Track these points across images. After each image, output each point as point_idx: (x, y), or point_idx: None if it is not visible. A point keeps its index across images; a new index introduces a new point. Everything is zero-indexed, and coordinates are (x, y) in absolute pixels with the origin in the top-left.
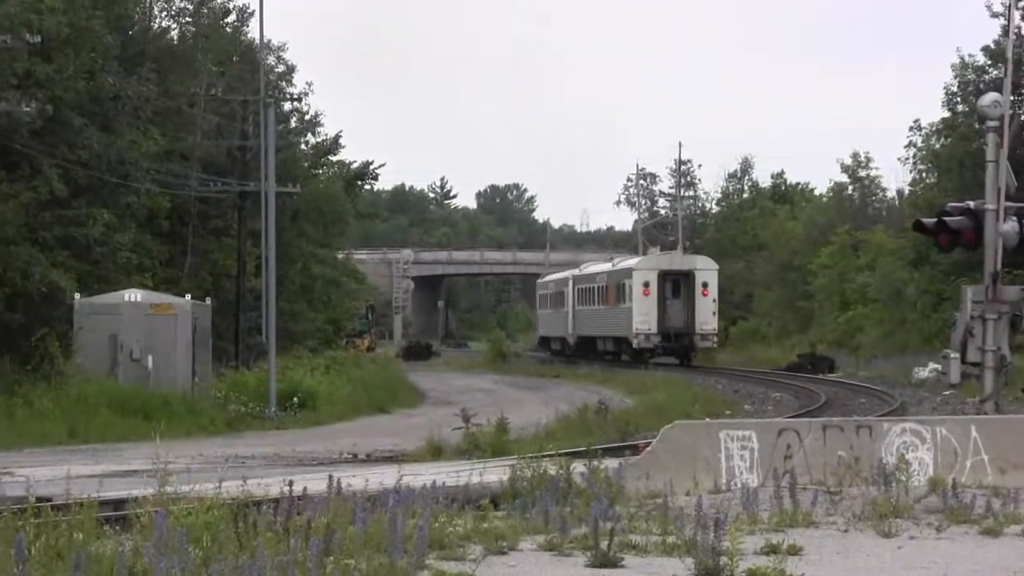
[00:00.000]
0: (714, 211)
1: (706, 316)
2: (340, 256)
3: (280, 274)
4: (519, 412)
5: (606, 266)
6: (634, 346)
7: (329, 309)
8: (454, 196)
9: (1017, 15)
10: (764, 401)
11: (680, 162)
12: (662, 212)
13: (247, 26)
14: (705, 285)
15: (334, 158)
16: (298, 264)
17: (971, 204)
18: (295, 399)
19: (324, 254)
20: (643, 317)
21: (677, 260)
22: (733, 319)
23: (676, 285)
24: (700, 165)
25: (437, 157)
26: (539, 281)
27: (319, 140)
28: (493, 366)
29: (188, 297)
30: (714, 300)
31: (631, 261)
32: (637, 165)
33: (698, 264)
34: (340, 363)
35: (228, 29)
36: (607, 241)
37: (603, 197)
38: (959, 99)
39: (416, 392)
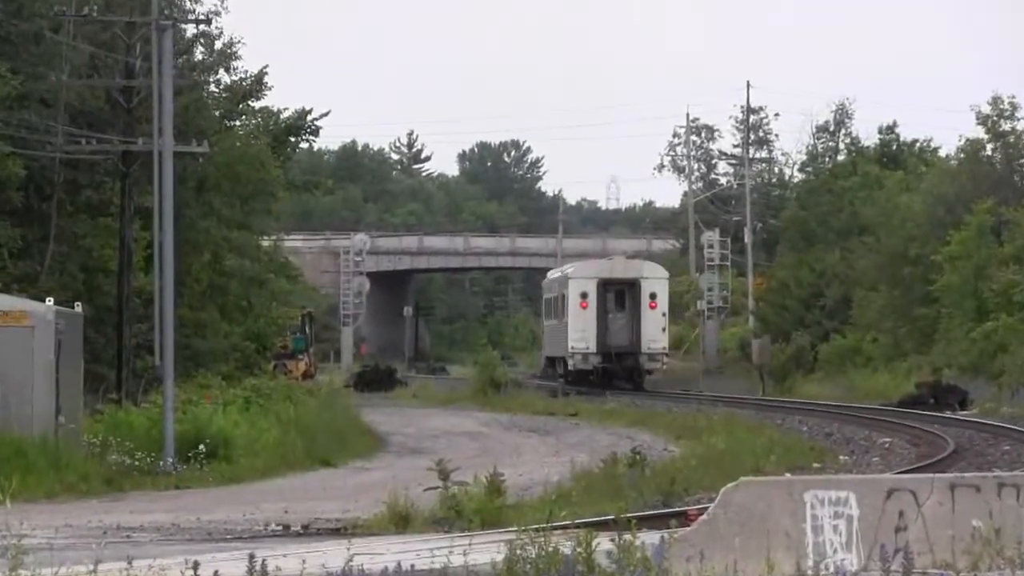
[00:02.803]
0: (796, 179)
1: (654, 332)
2: (265, 243)
3: (180, 269)
4: (519, 465)
5: (557, 272)
6: (570, 367)
7: (250, 319)
8: (427, 159)
9: None
10: (867, 449)
11: (748, 110)
12: (722, 181)
13: None
14: (653, 296)
15: (256, 104)
16: (206, 255)
17: None
18: (201, 447)
19: (242, 240)
20: (580, 333)
21: (620, 267)
22: (824, 333)
23: (619, 296)
24: (777, 115)
25: (402, 104)
26: (547, 279)
27: (236, 79)
28: (483, 399)
29: (50, 302)
30: (664, 314)
31: (568, 268)
32: (688, 115)
33: (644, 271)
34: (265, 396)
35: None
36: (644, 222)
37: (639, 160)
38: None
39: (373, 437)
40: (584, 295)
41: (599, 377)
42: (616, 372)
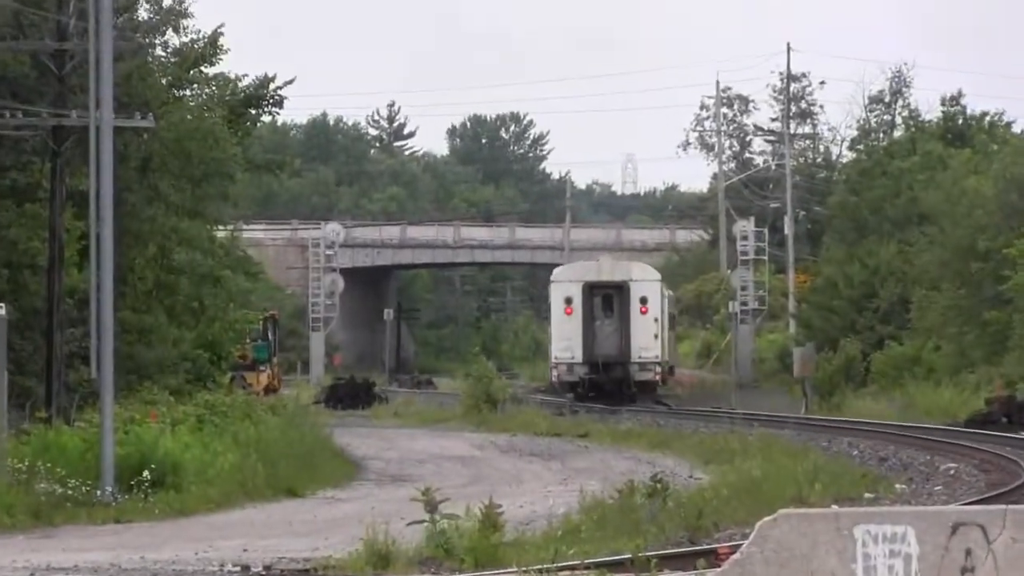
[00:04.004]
0: (845, 159)
1: (645, 340)
2: (221, 234)
3: (121, 265)
4: (520, 495)
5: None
6: (553, 378)
7: (203, 324)
8: (410, 135)
9: None
10: (929, 477)
11: (789, 77)
12: (758, 161)
13: None
14: (644, 300)
15: (210, 71)
16: (151, 248)
17: None
18: (146, 473)
19: (194, 231)
20: (565, 342)
21: (607, 268)
22: (878, 340)
23: (608, 301)
24: (822, 83)
25: (382, 70)
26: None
27: (186, 41)
28: (476, 418)
29: None
30: (656, 320)
31: (557, 271)
32: (718, 83)
33: (634, 273)
34: (221, 414)
35: None
36: (666, 209)
37: (660, 137)
38: None
39: (347, 462)
40: (568, 300)
41: (586, 389)
42: (604, 384)
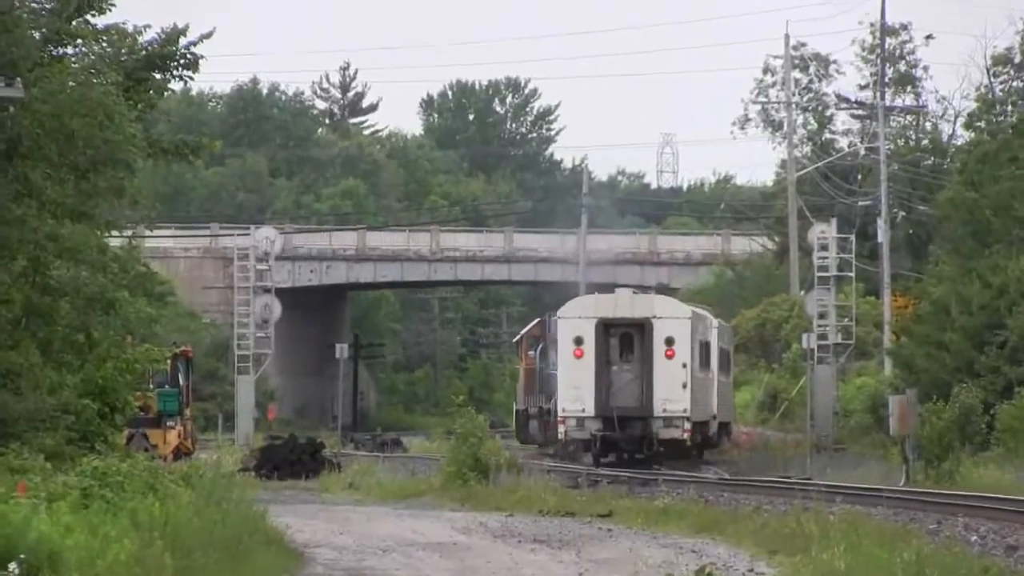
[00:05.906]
0: (960, 140)
1: (671, 389)
2: (115, 243)
3: None
4: None
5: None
6: (560, 436)
7: (91, 364)
8: (372, 108)
9: None
10: None
11: (884, 31)
12: (842, 143)
13: None
14: (669, 342)
15: (100, 21)
16: (19, 261)
17: None
18: (12, 566)
19: (78, 238)
20: (574, 391)
21: (626, 303)
22: (1005, 385)
23: (626, 342)
24: (929, 38)
25: (332, 24)
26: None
27: None
28: (460, 491)
29: None
30: (684, 365)
31: (565, 306)
32: (787, 38)
33: (656, 309)
34: (115, 485)
35: None
36: (718, 208)
37: (710, 114)
38: None
39: (286, 551)
40: (579, 340)
41: (599, 449)
42: (620, 442)
